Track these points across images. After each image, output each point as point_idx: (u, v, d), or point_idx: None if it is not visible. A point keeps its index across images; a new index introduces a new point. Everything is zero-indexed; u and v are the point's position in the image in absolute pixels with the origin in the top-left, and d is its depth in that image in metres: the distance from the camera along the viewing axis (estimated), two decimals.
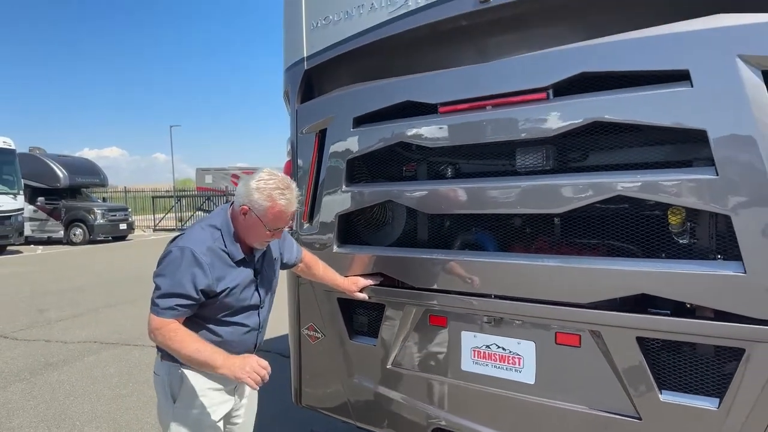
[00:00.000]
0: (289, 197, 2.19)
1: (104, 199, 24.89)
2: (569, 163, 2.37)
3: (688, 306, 2.03)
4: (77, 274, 12.62)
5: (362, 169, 2.92)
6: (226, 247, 2.24)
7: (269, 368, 2.13)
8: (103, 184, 23.49)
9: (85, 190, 22.35)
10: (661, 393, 2.06)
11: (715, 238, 2.05)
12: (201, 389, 2.29)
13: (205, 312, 2.23)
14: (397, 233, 2.95)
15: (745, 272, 1.84)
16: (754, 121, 1.80)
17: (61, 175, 20.00)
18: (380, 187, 2.76)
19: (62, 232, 20.07)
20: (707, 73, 1.88)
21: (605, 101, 2.08)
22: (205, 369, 2.18)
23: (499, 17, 2.39)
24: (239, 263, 2.27)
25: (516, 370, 2.41)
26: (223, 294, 2.21)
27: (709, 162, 1.90)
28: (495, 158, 2.60)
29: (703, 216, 2.06)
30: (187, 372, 2.27)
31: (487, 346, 2.49)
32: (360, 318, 3.02)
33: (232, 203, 2.30)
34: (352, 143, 2.81)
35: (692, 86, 1.90)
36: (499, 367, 2.46)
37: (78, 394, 5.16)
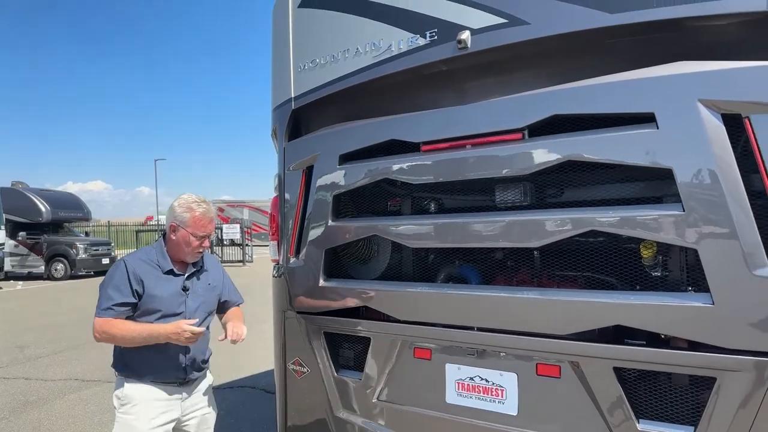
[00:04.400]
0: (205, 207, 2.70)
1: (87, 233, 24.61)
2: (545, 198, 2.49)
3: (662, 336, 2.12)
4: (58, 310, 12.42)
5: (348, 204, 3.01)
6: (156, 260, 2.72)
7: (201, 329, 2.56)
8: (86, 218, 23.29)
9: (67, 224, 22.15)
10: (638, 422, 2.12)
11: (685, 271, 2.15)
12: (141, 397, 2.65)
13: (139, 317, 2.64)
14: (382, 267, 3.02)
15: (713, 303, 1.94)
16: (715, 159, 1.93)
17: (43, 209, 19.84)
18: (366, 222, 2.84)
19: (43, 267, 19.79)
20: (671, 115, 2.01)
21: (578, 141, 2.20)
22: (153, 341, 2.57)
23: (477, 63, 2.52)
24: (167, 273, 2.71)
25: (499, 402, 2.46)
26: (151, 296, 2.63)
27: (676, 198, 2.01)
28: (474, 194, 2.70)
29: (673, 250, 2.17)
30: (128, 383, 2.68)
31: (471, 378, 2.55)
32: (346, 352, 3.06)
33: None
34: (338, 179, 2.90)
35: (658, 128, 2.03)
36: (482, 399, 2.51)
37: None
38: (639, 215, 2.08)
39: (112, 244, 22.72)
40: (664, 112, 2.02)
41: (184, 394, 2.78)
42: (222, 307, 2.99)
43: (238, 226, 25.91)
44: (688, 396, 2.09)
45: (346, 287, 2.93)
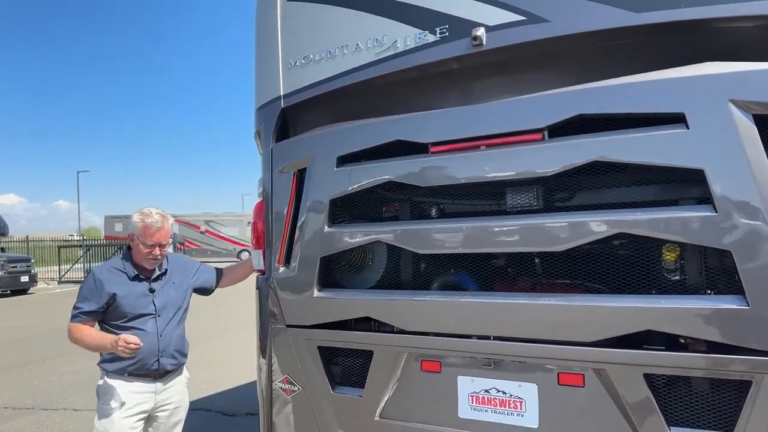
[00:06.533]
0: (155, 218, 3.01)
1: (3, 249, 22.79)
2: (567, 201, 2.41)
3: (682, 341, 2.08)
4: None
5: (347, 209, 2.83)
6: (123, 267, 3.05)
7: (137, 341, 2.78)
8: (3, 232, 21.50)
9: None
10: (670, 429, 2.06)
11: (720, 273, 2.11)
12: (116, 390, 2.95)
13: (110, 320, 2.99)
14: (377, 276, 2.85)
15: (748, 305, 1.91)
16: (747, 160, 1.91)
17: None
18: (369, 228, 2.67)
19: None
20: (702, 116, 1.99)
21: (605, 142, 2.14)
22: (103, 350, 2.95)
23: (492, 61, 2.44)
24: (133, 279, 3.04)
25: (518, 415, 2.35)
26: (118, 301, 2.95)
27: (707, 200, 1.98)
28: (489, 197, 2.59)
29: (705, 252, 2.13)
30: (107, 377, 3.00)
31: (486, 391, 2.42)
32: (343, 367, 2.86)
33: None
34: (335, 183, 2.72)
35: (688, 128, 2.00)
36: (499, 413, 2.39)
37: None
38: (670, 217, 2.04)
39: (33, 261, 21.12)
40: (694, 113, 2.00)
41: (159, 386, 3.06)
42: (205, 290, 3.39)
43: (170, 240, 24.78)
44: (721, 401, 2.05)
45: (345, 297, 2.75)
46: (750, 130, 1.93)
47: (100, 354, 3.06)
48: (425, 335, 2.50)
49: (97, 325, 3.04)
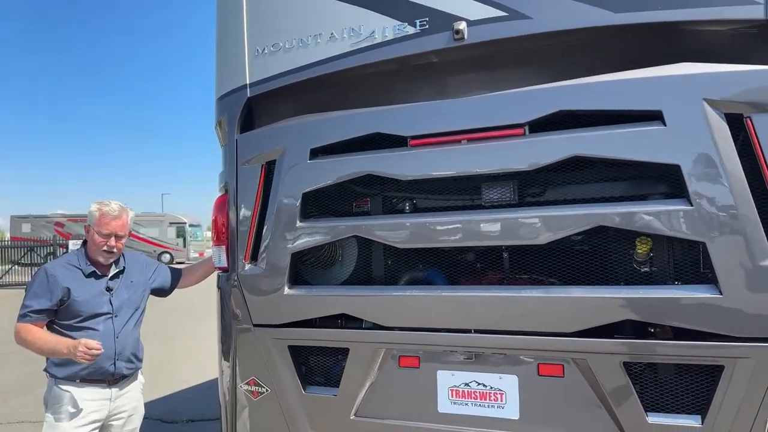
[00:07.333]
0: (114, 206, 2.86)
1: None
2: (551, 195, 2.46)
3: (664, 329, 2.17)
4: None
5: (321, 203, 2.75)
6: (78, 263, 2.85)
7: (98, 347, 2.60)
8: None
9: None
10: (647, 415, 2.14)
11: (694, 264, 2.22)
12: (69, 398, 2.73)
13: (62, 319, 2.77)
14: (351, 271, 2.79)
15: (721, 294, 2.02)
16: (720, 156, 2.02)
17: None
18: (347, 222, 2.60)
19: None
20: (678, 114, 2.08)
21: (586, 137, 2.20)
22: (57, 356, 2.71)
23: (473, 55, 2.44)
24: (89, 276, 2.84)
25: (499, 407, 2.36)
26: (72, 298, 2.74)
27: (682, 194, 2.08)
28: (468, 192, 2.60)
29: (679, 244, 2.24)
30: (57, 383, 2.77)
31: (466, 384, 2.42)
32: (316, 366, 2.78)
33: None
34: (308, 176, 2.63)
35: (665, 125, 2.09)
36: (480, 405, 2.39)
37: None
38: (646, 210, 2.12)
39: None
40: (671, 111, 2.09)
41: (114, 392, 2.86)
42: (162, 291, 3.21)
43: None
44: (695, 386, 2.15)
45: (318, 294, 2.66)
46: (722, 128, 2.04)
47: (46, 358, 2.81)
48: (405, 330, 2.47)
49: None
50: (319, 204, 2.76)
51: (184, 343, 9.43)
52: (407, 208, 2.71)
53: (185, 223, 36.15)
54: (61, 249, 24.35)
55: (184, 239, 35.78)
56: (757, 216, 1.99)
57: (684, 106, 2.08)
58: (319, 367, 2.79)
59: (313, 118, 2.70)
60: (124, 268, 2.98)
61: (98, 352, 2.59)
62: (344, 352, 2.62)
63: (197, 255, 36.25)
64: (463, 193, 2.64)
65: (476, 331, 2.37)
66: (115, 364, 2.82)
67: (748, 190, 2.01)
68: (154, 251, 35.08)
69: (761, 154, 2.01)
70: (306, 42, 2.71)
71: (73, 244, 23.51)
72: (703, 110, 2.05)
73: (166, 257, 32.93)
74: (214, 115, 3.05)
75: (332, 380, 2.69)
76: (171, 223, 35.96)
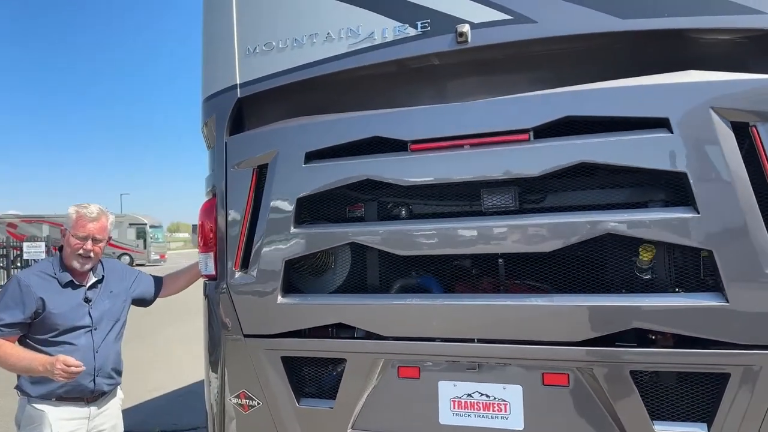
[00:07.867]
0: (93, 209, 2.70)
1: None
2: (557, 202, 2.43)
3: (671, 337, 2.17)
4: None
5: (316, 208, 2.65)
6: (54, 273, 2.65)
7: (79, 364, 2.43)
8: None
9: None
10: (654, 423, 2.13)
11: (700, 272, 2.22)
12: (42, 419, 2.54)
13: (36, 333, 2.58)
14: (344, 279, 2.71)
15: (727, 302, 2.02)
16: (727, 164, 2.03)
17: None
18: (344, 228, 2.52)
19: None
20: (685, 121, 2.08)
21: (593, 144, 2.17)
22: (32, 374, 2.51)
23: (476, 59, 2.40)
24: (66, 285, 2.64)
25: (503, 417, 2.32)
26: (48, 310, 2.55)
27: (689, 201, 2.08)
28: (471, 198, 2.54)
29: (687, 251, 2.23)
30: (30, 402, 2.57)
31: (469, 395, 2.37)
32: (311, 377, 2.68)
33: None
34: (303, 180, 2.54)
35: (672, 132, 2.08)
36: (483, 416, 2.34)
37: None
38: (653, 218, 2.11)
39: None
40: (678, 118, 2.08)
41: (93, 411, 2.69)
42: (143, 301, 3.03)
43: (42, 244, 22.38)
44: (702, 393, 2.15)
45: (313, 303, 2.57)
46: (728, 136, 2.04)
47: (18, 375, 2.62)
48: (406, 340, 2.40)
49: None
50: (314, 209, 2.66)
51: (155, 347, 9.10)
52: (408, 214, 2.64)
53: (146, 224, 35.17)
54: (14, 251, 23.34)
55: (145, 241, 34.81)
56: (763, 224, 2.00)
57: (691, 113, 2.07)
58: (313, 379, 2.70)
59: (308, 120, 2.61)
60: (103, 276, 2.80)
61: (78, 370, 2.43)
62: (340, 362, 2.54)
63: (158, 257, 35.35)
64: (465, 199, 2.58)
65: (479, 341, 2.32)
66: (94, 380, 2.64)
67: (754, 198, 2.01)
68: (113, 253, 33.90)
69: (767, 163, 2.02)
70: (301, 42, 2.61)
71: (28, 246, 22.61)
72: (711, 118, 2.05)
73: (126, 259, 31.92)
74: (201, 116, 2.92)
75: (328, 392, 2.60)
76: (131, 224, 34.90)
